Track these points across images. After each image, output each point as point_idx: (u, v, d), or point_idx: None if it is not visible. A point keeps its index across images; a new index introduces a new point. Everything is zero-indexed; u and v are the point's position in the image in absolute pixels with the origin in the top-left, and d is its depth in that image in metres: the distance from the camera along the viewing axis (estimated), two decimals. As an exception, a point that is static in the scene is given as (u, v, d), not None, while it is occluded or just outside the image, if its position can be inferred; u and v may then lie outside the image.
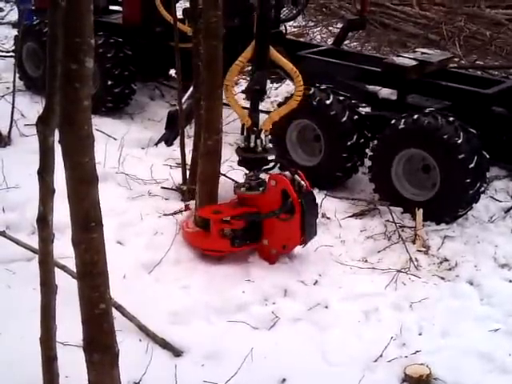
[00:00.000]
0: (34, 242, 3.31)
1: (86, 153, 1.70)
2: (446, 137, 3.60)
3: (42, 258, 2.02)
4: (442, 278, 3.36)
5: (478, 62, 6.77)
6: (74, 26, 1.56)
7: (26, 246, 3.31)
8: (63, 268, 2.94)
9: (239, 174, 4.43)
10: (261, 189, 3.37)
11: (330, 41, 8.17)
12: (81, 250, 1.83)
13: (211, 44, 3.19)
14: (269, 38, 3.34)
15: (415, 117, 3.73)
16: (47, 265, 2.01)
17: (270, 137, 3.50)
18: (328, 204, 3.97)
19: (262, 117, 5.21)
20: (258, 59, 3.34)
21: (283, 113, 3.46)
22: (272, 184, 3.31)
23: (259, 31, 3.29)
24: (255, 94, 3.38)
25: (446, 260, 3.53)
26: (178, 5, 5.83)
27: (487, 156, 3.73)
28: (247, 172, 3.48)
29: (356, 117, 4.11)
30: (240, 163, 3.49)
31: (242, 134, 3.43)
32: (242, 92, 3.50)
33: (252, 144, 3.36)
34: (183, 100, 4.41)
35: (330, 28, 9.04)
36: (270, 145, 3.50)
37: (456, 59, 6.28)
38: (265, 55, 3.32)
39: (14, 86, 5.11)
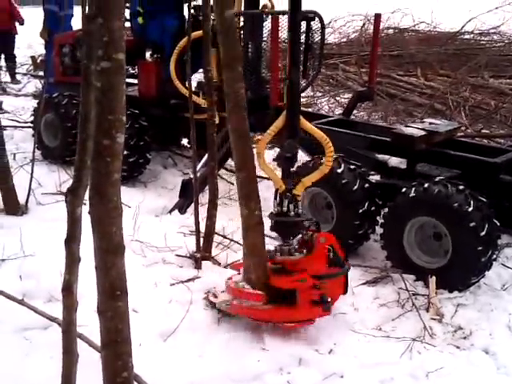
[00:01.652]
0: (50, 309, 3.38)
1: (114, 224, 1.77)
2: (456, 205, 3.66)
3: (66, 327, 2.06)
4: (457, 347, 3.35)
5: (483, 131, 6.91)
6: (108, 104, 1.66)
7: (44, 314, 3.33)
8: (79, 336, 2.97)
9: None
10: (304, 251, 3.47)
11: (338, 110, 8.40)
12: (106, 318, 1.87)
13: (240, 115, 3.27)
14: (299, 107, 3.48)
15: (426, 185, 3.81)
16: (70, 333, 2.06)
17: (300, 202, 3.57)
18: (341, 271, 3.99)
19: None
20: (289, 128, 3.45)
21: (315, 179, 3.56)
22: (321, 241, 3.44)
23: (290, 101, 3.41)
24: (287, 160, 3.48)
25: (461, 328, 3.52)
26: (192, 77, 6.05)
27: (498, 224, 3.77)
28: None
29: (367, 185, 4.20)
30: (273, 228, 3.58)
31: (275, 199, 3.53)
32: (274, 160, 3.60)
33: (285, 208, 3.46)
34: (197, 168, 4.52)
35: (338, 98, 9.29)
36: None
37: (462, 128, 6.41)
38: (296, 124, 3.44)
39: (33, 155, 5.25)
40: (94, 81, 1.65)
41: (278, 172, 3.58)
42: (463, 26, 12.48)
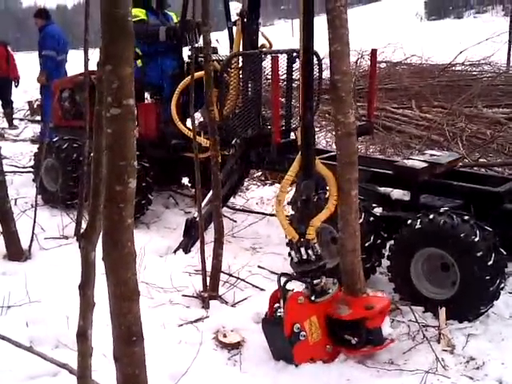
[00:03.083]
0: (59, 355, 3.35)
1: (129, 269, 1.77)
2: (462, 235, 3.67)
3: (81, 373, 2.05)
4: (471, 378, 3.31)
5: (481, 160, 6.96)
6: (119, 150, 1.67)
7: (53, 361, 3.30)
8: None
9: (257, 278, 4.49)
10: (330, 291, 3.48)
11: (335, 145, 8.45)
12: (123, 365, 1.86)
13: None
14: (313, 147, 3.53)
15: (431, 216, 3.82)
16: (86, 379, 2.04)
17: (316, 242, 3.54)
18: (349, 306, 3.98)
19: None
20: (305, 169, 3.48)
21: (323, 218, 3.55)
22: None
23: (305, 142, 3.46)
24: (303, 203, 3.48)
25: (473, 359, 3.49)
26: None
27: (504, 252, 3.78)
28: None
29: (372, 218, 4.21)
30: (298, 276, 3.55)
31: (290, 247, 3.52)
32: (289, 204, 3.62)
33: (304, 256, 3.44)
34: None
35: (334, 132, 9.35)
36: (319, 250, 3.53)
37: (462, 158, 6.46)
38: (311, 165, 3.48)
39: (35, 200, 5.27)
40: (105, 127, 1.67)
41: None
42: (455, 58, 12.67)
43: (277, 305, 3.39)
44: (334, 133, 9.18)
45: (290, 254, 3.55)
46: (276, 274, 4.57)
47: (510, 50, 14.36)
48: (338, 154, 3.47)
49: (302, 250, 3.42)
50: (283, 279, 3.38)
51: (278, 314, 3.35)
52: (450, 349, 3.55)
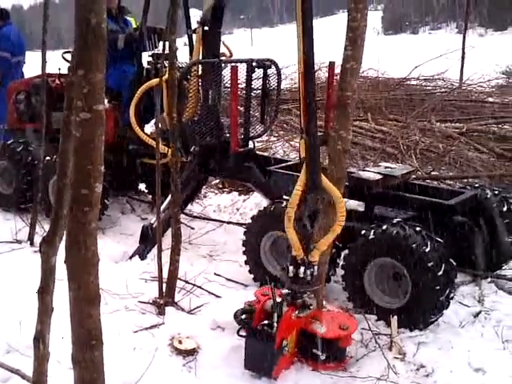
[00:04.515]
0: (10, 361, 3.30)
1: (91, 272, 1.78)
2: (414, 246, 3.78)
3: (37, 378, 2.04)
4: (421, 385, 3.41)
5: (434, 173, 7.16)
6: (87, 154, 1.69)
7: (4, 366, 3.25)
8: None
9: (213, 285, 4.51)
10: (312, 307, 3.50)
11: (292, 154, 8.56)
12: (81, 369, 1.86)
13: None
14: (319, 159, 3.36)
15: (384, 227, 3.92)
16: (42, 384, 2.03)
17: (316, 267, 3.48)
18: (304, 314, 4.04)
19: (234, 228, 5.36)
20: (310, 181, 3.33)
21: (330, 240, 3.46)
22: None
23: (310, 154, 3.30)
24: (308, 220, 3.40)
25: (423, 366, 3.58)
26: (150, 123, 6.12)
27: (454, 263, 3.90)
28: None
29: (327, 228, 4.29)
30: (288, 290, 3.48)
31: (290, 262, 3.46)
32: (295, 220, 3.39)
33: (301, 275, 3.39)
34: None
35: (292, 142, 9.47)
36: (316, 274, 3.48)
37: (415, 171, 6.63)
38: (317, 177, 3.32)
39: (-12, 204, 5.17)
40: (74, 131, 1.68)
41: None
42: (410, 73, 12.99)
43: (265, 321, 3.35)
44: (291, 143, 9.21)
45: (286, 268, 3.47)
46: (232, 281, 4.62)
47: (462, 66, 14.78)
48: (331, 168, 3.48)
49: (302, 268, 3.38)
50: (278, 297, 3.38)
51: (266, 329, 3.31)
52: (401, 356, 3.64)
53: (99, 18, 1.44)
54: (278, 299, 3.37)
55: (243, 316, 3.48)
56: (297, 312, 3.41)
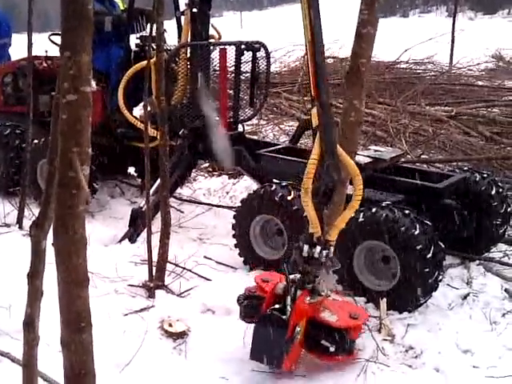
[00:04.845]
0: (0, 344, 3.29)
1: (79, 255, 1.76)
2: (403, 229, 3.79)
3: (26, 362, 2.03)
4: (410, 366, 3.44)
5: (423, 157, 7.17)
6: (73, 136, 1.66)
7: (-6, 350, 3.25)
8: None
9: (203, 268, 4.51)
10: (323, 293, 3.21)
11: (282, 138, 8.55)
12: (70, 351, 1.85)
13: None
14: (333, 127, 3.09)
15: (373, 210, 3.93)
16: (31, 368, 2.03)
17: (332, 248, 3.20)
18: (293, 296, 4.06)
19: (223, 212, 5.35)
20: (325, 150, 3.04)
21: (347, 218, 3.18)
22: None
23: (323, 123, 3.03)
24: (327, 193, 3.08)
25: (412, 348, 3.62)
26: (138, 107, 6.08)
27: (442, 246, 3.92)
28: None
29: (316, 211, 4.28)
30: (297, 270, 3.19)
31: (304, 240, 3.14)
32: (312, 194, 3.05)
33: (316, 255, 3.08)
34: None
35: (282, 126, 9.46)
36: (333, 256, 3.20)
37: (404, 154, 6.64)
38: (333, 146, 3.04)
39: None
40: (60, 113, 1.66)
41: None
42: (400, 56, 12.96)
43: (276, 305, 3.11)
44: (281, 126, 9.18)
45: (299, 246, 3.17)
46: (223, 264, 4.63)
47: (452, 49, 14.80)
48: (343, 141, 3.17)
49: (318, 248, 3.07)
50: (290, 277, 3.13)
51: (279, 314, 3.05)
52: (390, 338, 3.67)
53: (85, -1, 1.42)
54: (282, 285, 3.12)
55: (246, 301, 3.28)
56: (309, 298, 3.13)
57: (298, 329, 3.05)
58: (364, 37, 3.15)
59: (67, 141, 1.68)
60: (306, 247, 3.11)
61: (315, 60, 3.07)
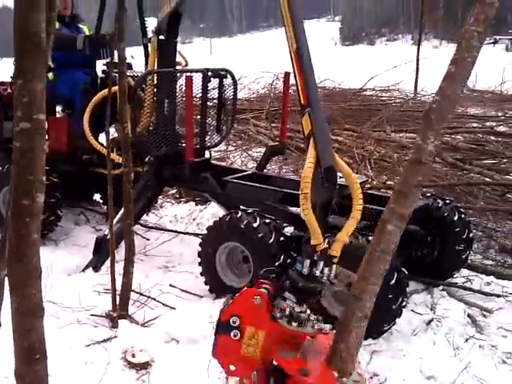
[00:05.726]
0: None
1: (33, 285, 1.73)
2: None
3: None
4: (374, 394, 3.44)
5: (388, 183, 7.26)
6: (27, 165, 1.65)
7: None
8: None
9: (168, 297, 4.46)
10: (308, 328, 2.44)
11: (250, 164, 8.58)
12: (24, 383, 1.81)
13: None
14: (327, 132, 2.84)
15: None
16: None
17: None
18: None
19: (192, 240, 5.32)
20: (321, 156, 2.70)
21: (350, 230, 2.79)
22: None
23: (317, 127, 2.75)
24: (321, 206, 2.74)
25: (376, 375, 3.61)
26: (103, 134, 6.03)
27: (406, 272, 3.94)
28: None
29: (282, 238, 4.29)
30: (293, 290, 2.55)
31: (306, 253, 2.60)
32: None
33: (318, 272, 2.55)
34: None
35: (250, 152, 9.50)
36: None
37: (369, 180, 6.72)
38: (327, 151, 2.72)
39: None
40: (14, 141, 1.64)
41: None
42: (366, 83, 13.19)
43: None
44: (249, 152, 9.17)
45: (298, 260, 2.61)
46: (188, 292, 4.58)
47: (417, 77, 15.10)
48: (398, 180, 2.86)
49: (321, 264, 2.58)
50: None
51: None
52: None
53: (38, 27, 1.42)
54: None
55: None
56: (282, 319, 2.39)
57: (234, 318, 2.46)
58: (447, 75, 2.89)
59: (21, 169, 1.67)
60: (306, 262, 2.58)
61: (302, 67, 2.95)
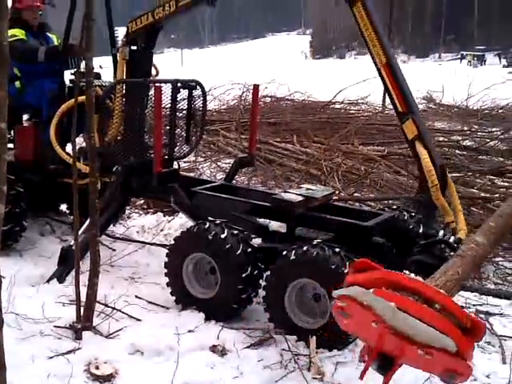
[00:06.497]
0: None
1: (-7, 296, 1.71)
2: (333, 266, 3.84)
3: None
4: (339, 404, 3.45)
5: (355, 195, 7.33)
6: (-12, 174, 1.63)
7: None
8: None
9: (134, 308, 4.41)
10: None
11: (219, 175, 8.59)
12: (-18, 397, 1.78)
13: None
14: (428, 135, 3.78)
15: (305, 248, 3.97)
16: None
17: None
18: (225, 335, 4.03)
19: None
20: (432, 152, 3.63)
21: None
22: None
23: (421, 131, 3.59)
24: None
25: (341, 387, 3.63)
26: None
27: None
28: None
29: (249, 249, 4.29)
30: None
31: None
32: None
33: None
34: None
35: (219, 163, 9.51)
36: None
37: (336, 192, 6.78)
38: (434, 151, 3.78)
39: None
40: (-25, 151, 1.62)
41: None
42: (335, 96, 13.32)
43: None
44: (219, 163, 9.20)
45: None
46: (154, 303, 4.55)
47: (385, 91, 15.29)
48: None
49: (452, 238, 3.53)
50: None
51: None
52: (319, 376, 3.67)
53: (1, 36, 1.41)
54: None
55: None
56: None
57: None
58: None
59: (-18, 179, 1.65)
60: (442, 233, 3.57)
61: (395, 76, 3.31)
